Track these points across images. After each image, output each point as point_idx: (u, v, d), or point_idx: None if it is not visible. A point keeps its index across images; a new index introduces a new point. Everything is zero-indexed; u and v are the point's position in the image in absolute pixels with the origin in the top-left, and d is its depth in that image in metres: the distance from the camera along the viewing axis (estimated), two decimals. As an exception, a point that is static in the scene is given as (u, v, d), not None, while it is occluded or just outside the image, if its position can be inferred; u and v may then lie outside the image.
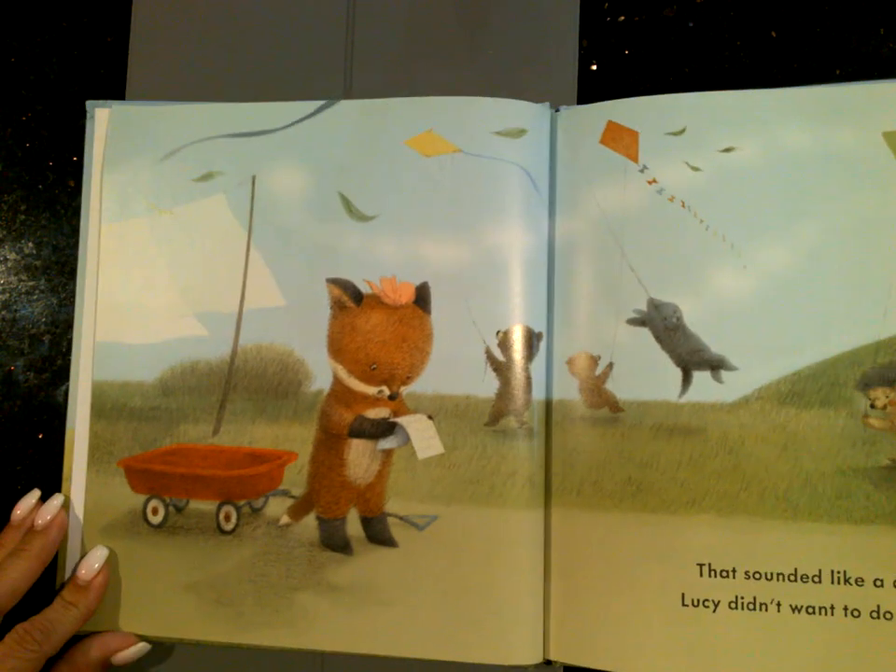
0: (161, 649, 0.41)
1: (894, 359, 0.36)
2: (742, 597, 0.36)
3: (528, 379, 0.39)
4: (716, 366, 0.37)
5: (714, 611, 0.36)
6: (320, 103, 0.41)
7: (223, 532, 0.40)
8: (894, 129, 0.37)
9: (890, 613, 0.35)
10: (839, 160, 0.37)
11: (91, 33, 0.45)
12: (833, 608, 0.35)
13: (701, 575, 0.36)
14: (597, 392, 0.39)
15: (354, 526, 0.40)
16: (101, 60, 0.45)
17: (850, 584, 0.35)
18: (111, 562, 0.40)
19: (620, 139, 0.39)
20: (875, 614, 0.35)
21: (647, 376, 0.38)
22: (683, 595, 0.36)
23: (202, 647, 0.40)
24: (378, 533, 0.39)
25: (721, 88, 0.40)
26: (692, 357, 0.38)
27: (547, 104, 0.41)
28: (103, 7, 0.45)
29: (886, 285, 0.36)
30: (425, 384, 0.39)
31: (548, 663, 0.38)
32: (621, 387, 0.38)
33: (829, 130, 0.38)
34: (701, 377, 0.37)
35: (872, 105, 0.37)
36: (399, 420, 0.39)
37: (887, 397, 0.35)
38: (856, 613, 0.35)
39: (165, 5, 0.45)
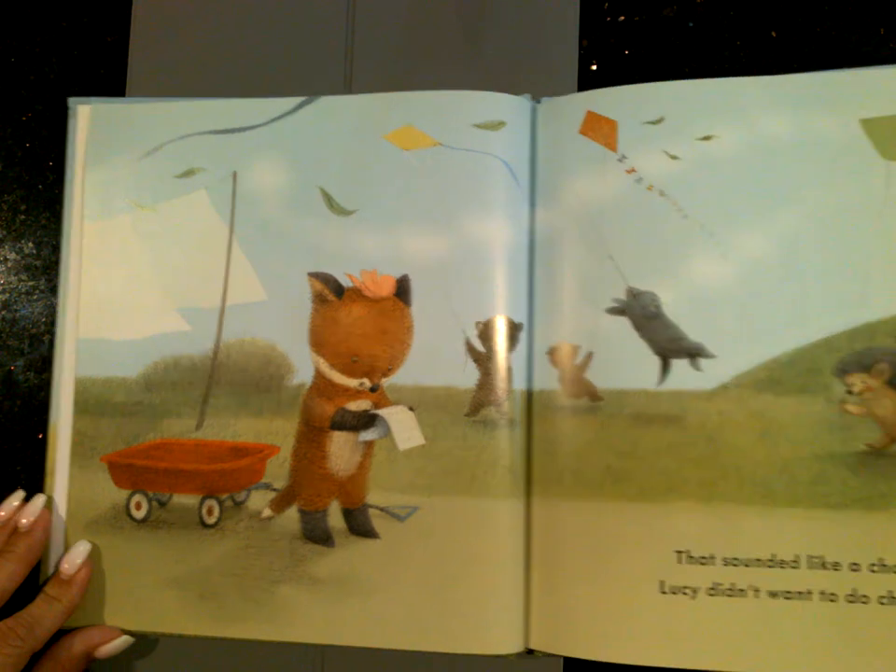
0: (152, 643, 0.44)
1: (871, 345, 0.39)
2: (720, 584, 0.39)
3: (509, 369, 0.42)
4: (694, 354, 0.41)
5: (693, 598, 0.39)
6: (301, 99, 0.45)
7: (206, 526, 0.44)
8: (871, 116, 0.40)
9: (866, 597, 0.38)
10: (817, 147, 0.41)
11: (91, 33, 0.49)
12: (810, 592, 0.39)
13: (680, 562, 0.40)
14: (577, 382, 0.42)
15: (336, 518, 0.43)
16: (101, 60, 0.49)
17: (827, 569, 0.39)
18: (94, 557, 0.44)
19: (599, 129, 0.43)
20: (851, 598, 0.38)
21: (626, 365, 0.41)
22: (662, 582, 0.40)
23: (200, 641, 0.43)
24: (359, 524, 0.43)
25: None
26: (670, 346, 0.41)
27: (527, 95, 0.45)
28: (103, 7, 0.49)
29: (863, 271, 0.40)
30: (406, 375, 0.43)
31: (530, 652, 0.42)
32: (600, 376, 0.42)
33: (807, 117, 0.41)
34: (680, 365, 0.41)
35: (849, 93, 0.41)
36: (380, 412, 0.43)
37: (864, 382, 0.39)
38: (833, 598, 0.39)
39: (165, 5, 0.49)
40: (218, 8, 0.49)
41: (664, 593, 0.40)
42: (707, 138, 0.42)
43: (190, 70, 0.48)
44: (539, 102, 0.45)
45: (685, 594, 0.40)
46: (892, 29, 0.43)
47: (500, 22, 0.46)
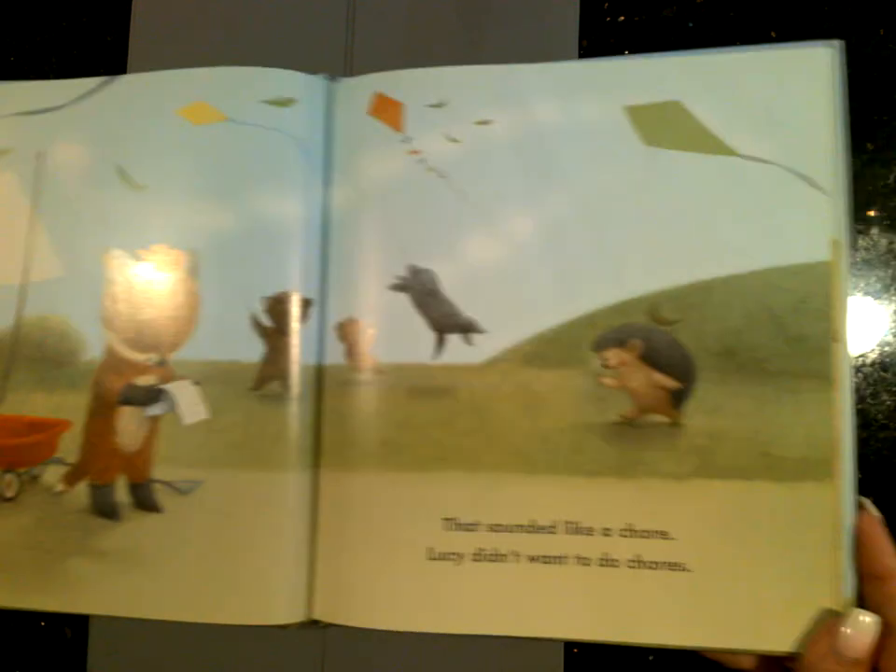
0: (153, 638, 0.44)
1: (626, 322, 0.42)
2: (484, 549, 0.41)
3: (295, 344, 0.44)
4: (467, 329, 0.43)
5: (458, 564, 0.41)
6: (103, 78, 0.47)
7: (5, 500, 0.45)
8: (635, 103, 0.42)
9: (616, 561, 0.41)
10: (584, 133, 0.43)
11: (91, 33, 0.49)
12: (566, 557, 0.41)
13: (447, 529, 0.42)
14: (362, 356, 0.44)
15: (123, 493, 0.44)
16: (101, 60, 0.49)
17: (582, 534, 0.41)
18: None
19: (386, 110, 0.44)
20: (602, 562, 0.41)
21: (406, 340, 0.43)
22: (430, 549, 0.42)
23: (203, 642, 0.44)
24: (144, 499, 0.44)
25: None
26: (446, 321, 0.43)
27: (322, 74, 0.46)
28: (103, 7, 0.49)
29: (621, 252, 0.42)
30: (192, 350, 0.44)
31: (315, 623, 0.43)
32: (382, 351, 0.43)
33: (576, 104, 0.43)
34: (454, 340, 0.43)
35: (615, 81, 0.43)
36: (166, 387, 0.44)
37: (618, 357, 0.41)
38: (586, 562, 0.41)
39: (165, 5, 0.49)
40: (218, 9, 0.49)
41: (431, 559, 0.42)
42: (484, 122, 0.44)
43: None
44: (336, 81, 0.46)
45: (451, 559, 0.42)
46: (893, 29, 0.45)
47: (500, 22, 0.47)
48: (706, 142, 0.42)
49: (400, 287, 0.44)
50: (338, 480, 0.44)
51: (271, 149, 0.45)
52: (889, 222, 0.58)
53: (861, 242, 0.59)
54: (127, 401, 0.45)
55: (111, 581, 0.44)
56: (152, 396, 0.45)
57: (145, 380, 0.45)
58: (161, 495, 0.44)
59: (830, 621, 0.37)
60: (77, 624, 0.60)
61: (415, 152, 0.45)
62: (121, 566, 0.44)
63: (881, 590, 0.37)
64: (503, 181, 0.44)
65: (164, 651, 0.46)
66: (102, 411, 0.45)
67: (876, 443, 0.59)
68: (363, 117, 0.45)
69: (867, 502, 0.39)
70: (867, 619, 0.36)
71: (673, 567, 0.41)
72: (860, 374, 0.58)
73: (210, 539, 0.44)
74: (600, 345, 0.42)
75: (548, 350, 0.43)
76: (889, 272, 0.59)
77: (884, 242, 0.59)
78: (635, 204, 0.43)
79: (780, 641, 0.39)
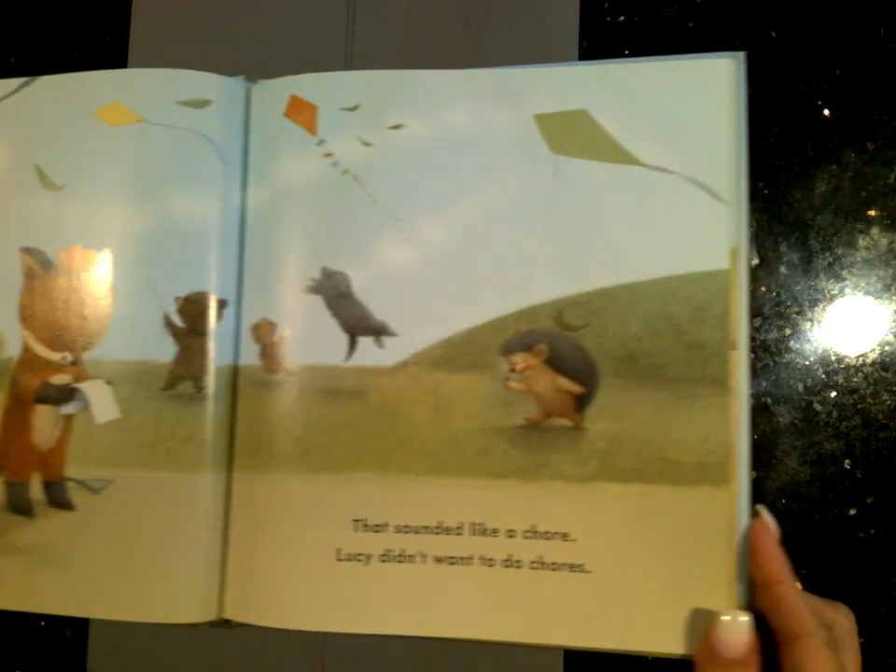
0: (156, 641, 0.45)
1: (533, 327, 0.42)
2: (392, 550, 0.42)
3: (208, 344, 0.44)
4: (378, 332, 0.43)
5: (366, 565, 0.42)
6: (23, 79, 0.47)
7: (-79, 498, 0.45)
8: (544, 112, 0.43)
9: (520, 562, 0.41)
10: (494, 140, 0.44)
11: (91, 33, 0.49)
12: (471, 557, 0.42)
13: (356, 530, 0.42)
14: (275, 357, 0.44)
15: (37, 490, 0.45)
16: (101, 60, 0.49)
17: (487, 535, 0.42)
18: None
19: (301, 113, 0.45)
20: (507, 563, 0.42)
21: (318, 342, 0.44)
22: (339, 550, 0.42)
23: (204, 642, 0.44)
24: (57, 497, 0.44)
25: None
26: (358, 324, 0.44)
27: (242, 77, 0.46)
28: (103, 7, 0.49)
29: (529, 258, 0.43)
30: (105, 350, 0.45)
31: (227, 622, 0.44)
32: (295, 352, 0.44)
33: (486, 112, 0.44)
34: (366, 342, 0.43)
35: (525, 89, 0.44)
36: (79, 386, 0.44)
37: (525, 361, 0.42)
38: (491, 563, 0.42)
39: (165, 5, 0.49)
40: (219, 10, 0.49)
41: (340, 560, 0.43)
42: (397, 127, 0.44)
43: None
44: (253, 83, 0.47)
45: (359, 560, 0.43)
46: (892, 29, 0.45)
47: (500, 22, 0.48)
48: (611, 151, 0.43)
49: (314, 288, 0.45)
50: (250, 480, 0.44)
51: (187, 150, 0.45)
52: (889, 222, 0.59)
53: (861, 242, 0.59)
54: (43, 400, 0.45)
55: (25, 578, 0.44)
56: (67, 394, 0.45)
57: (60, 378, 0.46)
58: (74, 493, 0.45)
59: (710, 623, 0.38)
60: (77, 624, 0.61)
61: (329, 155, 0.45)
62: (35, 562, 0.44)
63: (769, 596, 0.37)
64: (415, 186, 0.44)
65: (164, 651, 0.46)
66: (19, 408, 0.46)
67: (877, 443, 0.59)
68: (279, 119, 0.46)
69: (762, 509, 0.40)
70: (741, 618, 0.37)
71: (573, 568, 0.42)
72: (860, 374, 0.59)
73: (121, 537, 0.44)
74: (508, 350, 0.43)
75: (457, 354, 0.43)
76: (890, 272, 0.60)
77: (884, 242, 0.59)
78: (542, 212, 0.43)
79: (675, 644, 0.40)
